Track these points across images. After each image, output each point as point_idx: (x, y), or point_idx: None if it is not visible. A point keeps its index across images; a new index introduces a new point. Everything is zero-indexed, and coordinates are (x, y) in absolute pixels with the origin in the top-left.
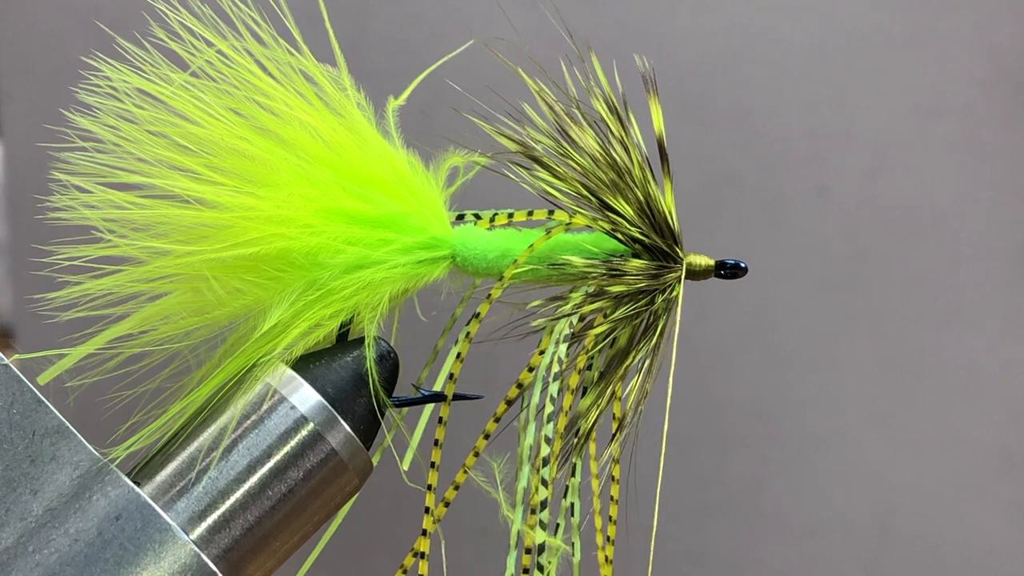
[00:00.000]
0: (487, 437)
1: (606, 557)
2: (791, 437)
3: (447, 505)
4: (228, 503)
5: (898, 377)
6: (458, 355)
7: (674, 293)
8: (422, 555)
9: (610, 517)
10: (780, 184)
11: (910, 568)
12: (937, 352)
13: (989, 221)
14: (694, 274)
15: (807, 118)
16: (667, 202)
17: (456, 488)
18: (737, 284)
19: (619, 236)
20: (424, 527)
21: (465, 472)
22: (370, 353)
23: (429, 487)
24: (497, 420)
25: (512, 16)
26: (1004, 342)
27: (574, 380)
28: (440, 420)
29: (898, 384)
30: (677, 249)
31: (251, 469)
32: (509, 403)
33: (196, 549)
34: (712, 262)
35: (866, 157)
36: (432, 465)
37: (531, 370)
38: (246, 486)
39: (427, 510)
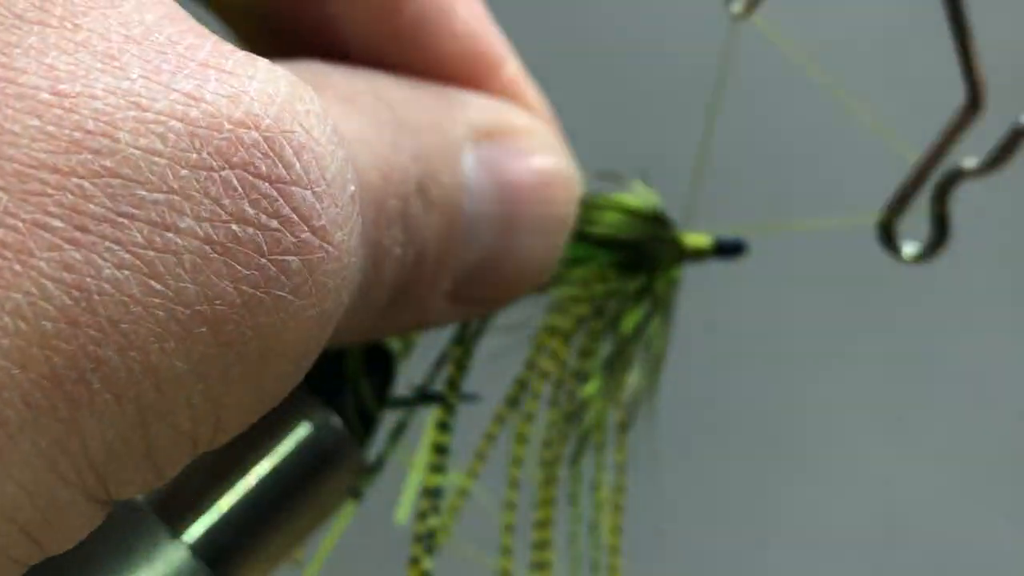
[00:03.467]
0: (490, 438)
1: (612, 547)
2: (793, 440)
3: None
4: (221, 504)
5: (903, 380)
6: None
7: (676, 274)
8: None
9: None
10: (780, 184)
11: (915, 572)
12: (943, 355)
13: (995, 221)
14: (692, 254)
15: (808, 117)
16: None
17: (463, 494)
18: (739, 285)
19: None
20: (431, 526)
21: (471, 478)
22: (366, 353)
23: (430, 490)
24: (501, 420)
25: (512, 13)
26: (1011, 344)
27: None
28: (443, 425)
29: (903, 387)
30: (670, 229)
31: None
32: (511, 402)
33: (189, 551)
34: (710, 240)
35: (867, 157)
36: (434, 468)
37: (531, 367)
38: (239, 487)
39: (423, 516)
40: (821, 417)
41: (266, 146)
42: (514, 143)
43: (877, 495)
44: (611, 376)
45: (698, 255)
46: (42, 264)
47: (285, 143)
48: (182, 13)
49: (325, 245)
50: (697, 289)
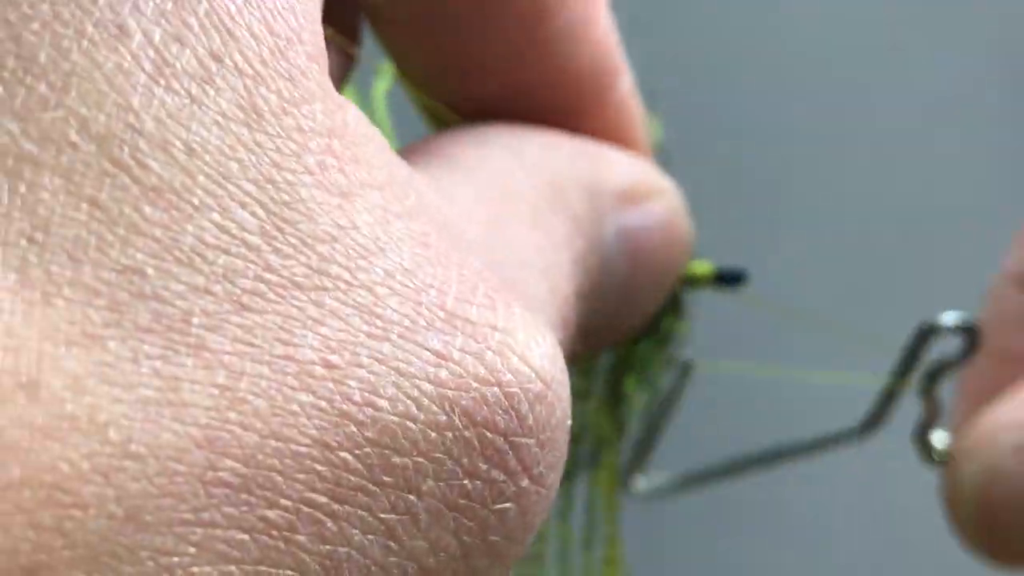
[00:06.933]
0: None
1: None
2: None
3: None
4: None
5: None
6: None
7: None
8: None
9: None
10: (781, 183)
11: (915, 572)
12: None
13: (999, 222)
14: (691, 282)
15: (809, 117)
16: None
17: None
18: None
19: None
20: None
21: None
22: None
23: None
24: None
25: None
26: None
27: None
28: None
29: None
30: None
31: None
32: None
33: None
34: (711, 269)
35: (870, 156)
36: None
37: None
38: None
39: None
40: (821, 417)
41: (506, 402)
42: (650, 207)
43: (877, 495)
44: (610, 394)
45: (697, 283)
46: (303, 539)
47: (522, 396)
48: (429, 230)
49: (540, 489)
50: (696, 291)
